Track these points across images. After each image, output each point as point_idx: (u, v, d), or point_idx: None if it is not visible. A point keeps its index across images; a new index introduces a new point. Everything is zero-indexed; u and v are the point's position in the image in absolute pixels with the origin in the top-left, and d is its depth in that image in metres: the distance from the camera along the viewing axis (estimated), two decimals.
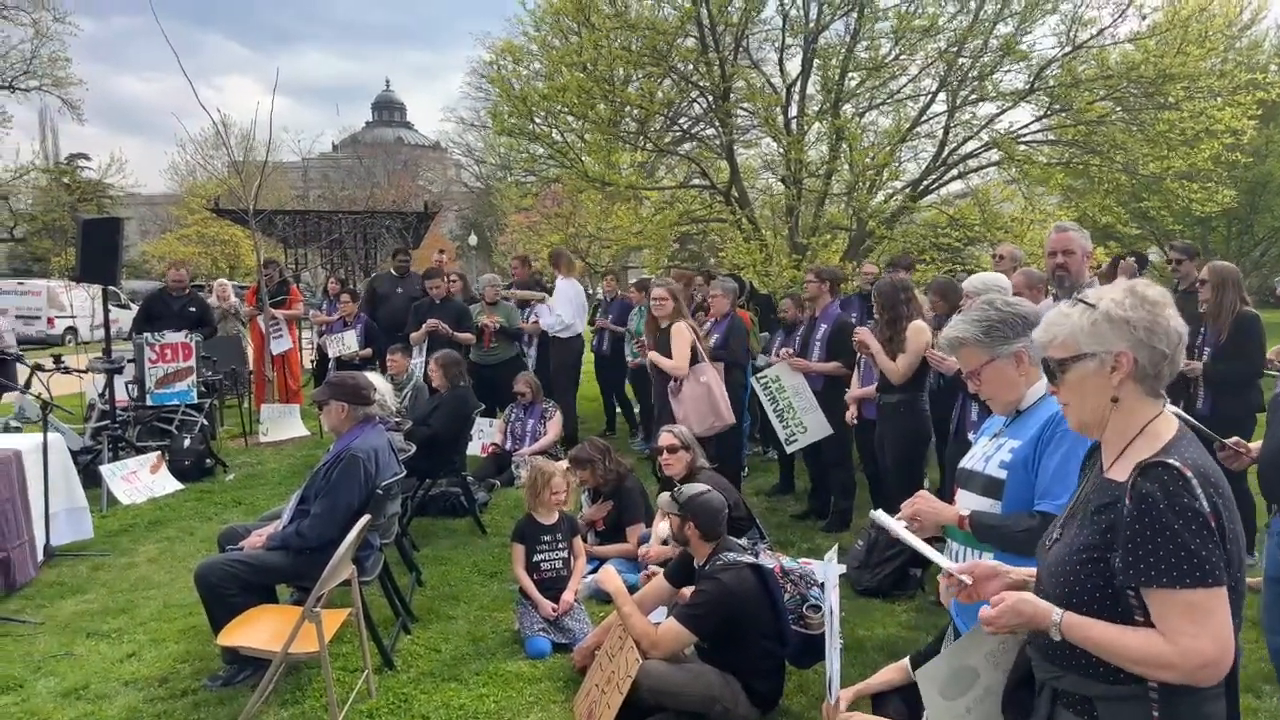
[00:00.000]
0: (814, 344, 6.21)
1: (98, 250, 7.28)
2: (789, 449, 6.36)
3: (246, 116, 28.49)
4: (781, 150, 11.28)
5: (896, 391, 5.14)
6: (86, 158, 40.46)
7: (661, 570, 4.01)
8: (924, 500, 2.40)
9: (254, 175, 12.97)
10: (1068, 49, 10.44)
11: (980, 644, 1.94)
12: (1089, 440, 2.19)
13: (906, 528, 2.30)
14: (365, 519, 3.62)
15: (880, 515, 2.27)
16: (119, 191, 37.63)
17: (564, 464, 5.20)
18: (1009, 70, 10.81)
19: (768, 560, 3.61)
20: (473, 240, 42.01)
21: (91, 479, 6.52)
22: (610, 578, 3.79)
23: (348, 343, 8.91)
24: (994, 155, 11.18)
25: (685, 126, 15.26)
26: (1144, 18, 10.38)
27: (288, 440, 9.06)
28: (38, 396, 6.14)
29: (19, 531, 4.92)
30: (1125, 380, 1.70)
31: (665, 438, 4.88)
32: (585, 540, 5.05)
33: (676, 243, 14.08)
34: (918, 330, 5.06)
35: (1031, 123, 11.13)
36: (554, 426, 7.65)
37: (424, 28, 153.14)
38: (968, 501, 2.41)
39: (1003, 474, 2.32)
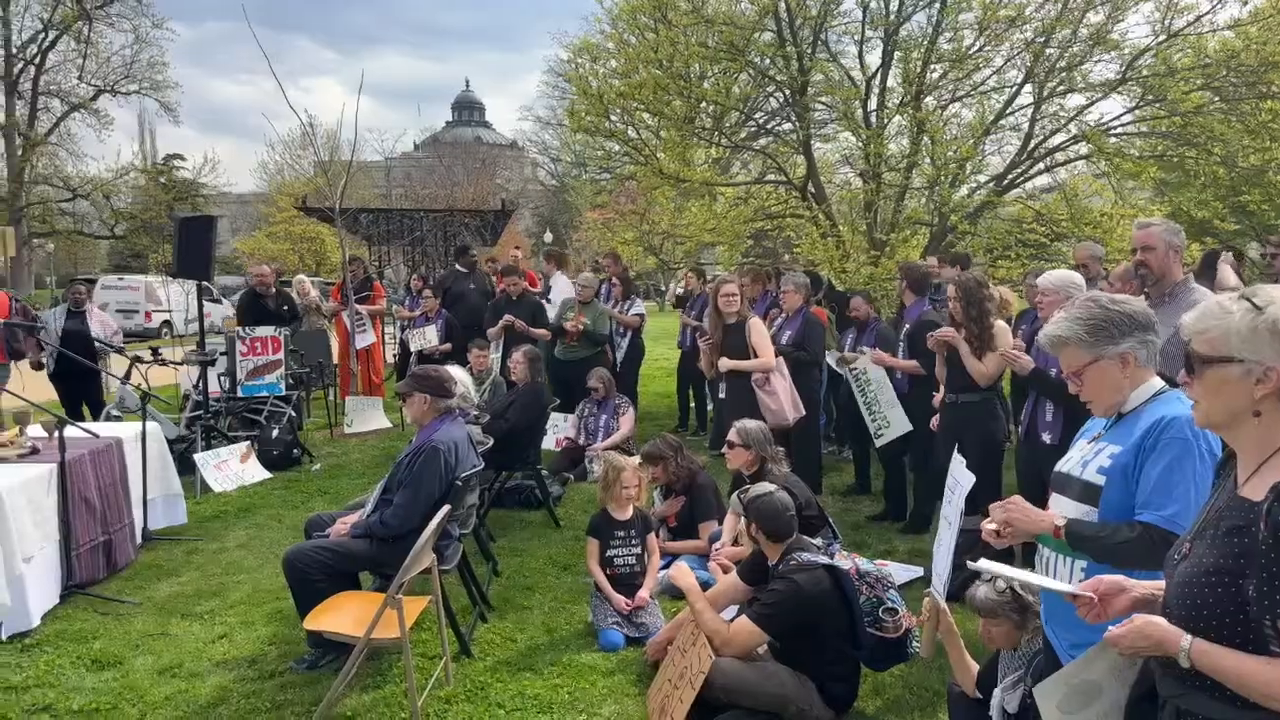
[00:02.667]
0: (897, 341, 6.11)
1: (193, 247, 7.62)
2: (878, 442, 6.29)
3: (332, 117, 29.56)
4: (860, 144, 11.09)
5: (973, 391, 5.02)
6: (182, 158, 42.34)
7: (734, 568, 4.00)
8: (1017, 507, 2.30)
9: (339, 174, 13.35)
10: (1162, 37, 10.00)
11: (1104, 659, 1.89)
12: (1195, 451, 2.10)
13: (995, 536, 2.24)
14: (445, 509, 3.71)
15: (985, 564, 2.19)
16: (211, 190, 39.21)
17: (636, 459, 5.22)
18: (1099, 60, 10.41)
19: (843, 561, 3.57)
20: (548, 237, 42.47)
21: (186, 467, 6.80)
22: (683, 574, 3.80)
23: (429, 337, 9.11)
24: (1082, 148, 10.78)
25: (761, 121, 15.15)
26: (1245, 3, 9.90)
27: (371, 432, 9.32)
28: (137, 387, 6.44)
29: (120, 516, 5.18)
30: (1271, 396, 1.57)
31: (730, 433, 4.87)
32: (658, 536, 5.07)
33: (751, 239, 13.95)
34: (1004, 330, 4.96)
35: (1123, 114, 10.70)
36: (626, 422, 7.69)
37: (502, 28, 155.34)
38: (1062, 507, 2.31)
39: (1101, 480, 2.22)
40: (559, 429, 8.06)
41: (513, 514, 6.35)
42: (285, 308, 9.67)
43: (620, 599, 4.35)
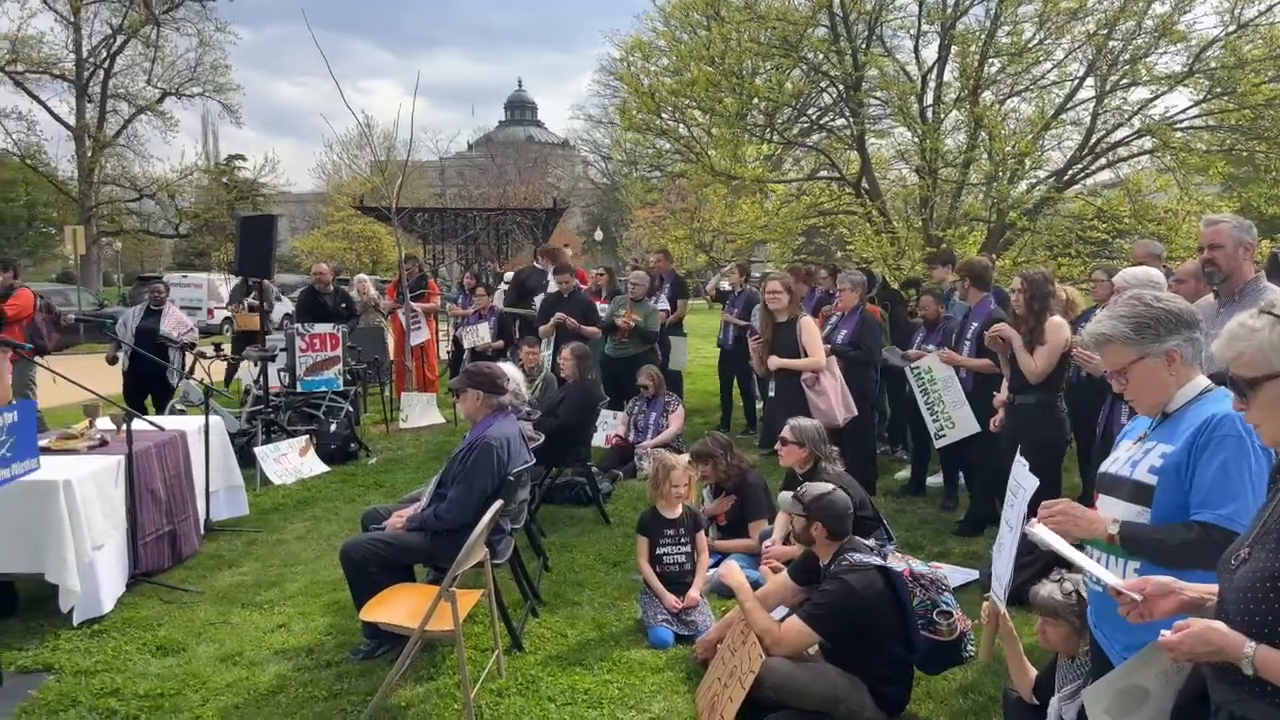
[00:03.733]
0: (965, 340, 6.00)
1: (254, 245, 7.81)
2: (937, 444, 6.21)
3: (388, 118, 30.02)
4: (916, 139, 10.93)
5: (1032, 392, 4.91)
6: (243, 158, 43.44)
7: (784, 568, 3.98)
8: (1069, 509, 2.27)
9: (395, 174, 13.57)
10: (1231, 28, 9.67)
11: (1153, 663, 1.85)
12: (1249, 448, 2.05)
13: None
14: (498, 504, 3.75)
15: (1040, 531, 2.17)
16: (271, 190, 40.10)
17: (686, 457, 5.22)
18: (1165, 52, 10.11)
19: (896, 563, 3.52)
20: (598, 235, 42.68)
21: (246, 459, 6.97)
22: (733, 572, 3.79)
23: (482, 335, 9.22)
24: (1146, 143, 10.47)
25: (814, 117, 15.02)
26: None
27: (425, 427, 9.46)
28: (200, 382, 6.63)
29: (184, 507, 5.34)
30: None
31: (784, 430, 4.84)
32: (707, 534, 5.07)
33: (803, 236, 13.85)
34: (1057, 326, 4.82)
35: (1190, 107, 10.37)
36: (676, 420, 7.69)
37: (555, 28, 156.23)
38: (1111, 509, 2.27)
39: (1153, 480, 2.18)
40: (609, 426, 8.09)
41: (563, 510, 6.40)
42: (343, 305, 9.89)
43: (670, 597, 4.35)
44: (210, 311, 23.98)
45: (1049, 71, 10.84)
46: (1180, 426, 2.18)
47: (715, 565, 4.82)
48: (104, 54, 32.67)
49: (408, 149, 12.40)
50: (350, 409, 8.46)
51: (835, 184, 12.33)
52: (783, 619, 3.54)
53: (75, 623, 4.27)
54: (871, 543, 3.70)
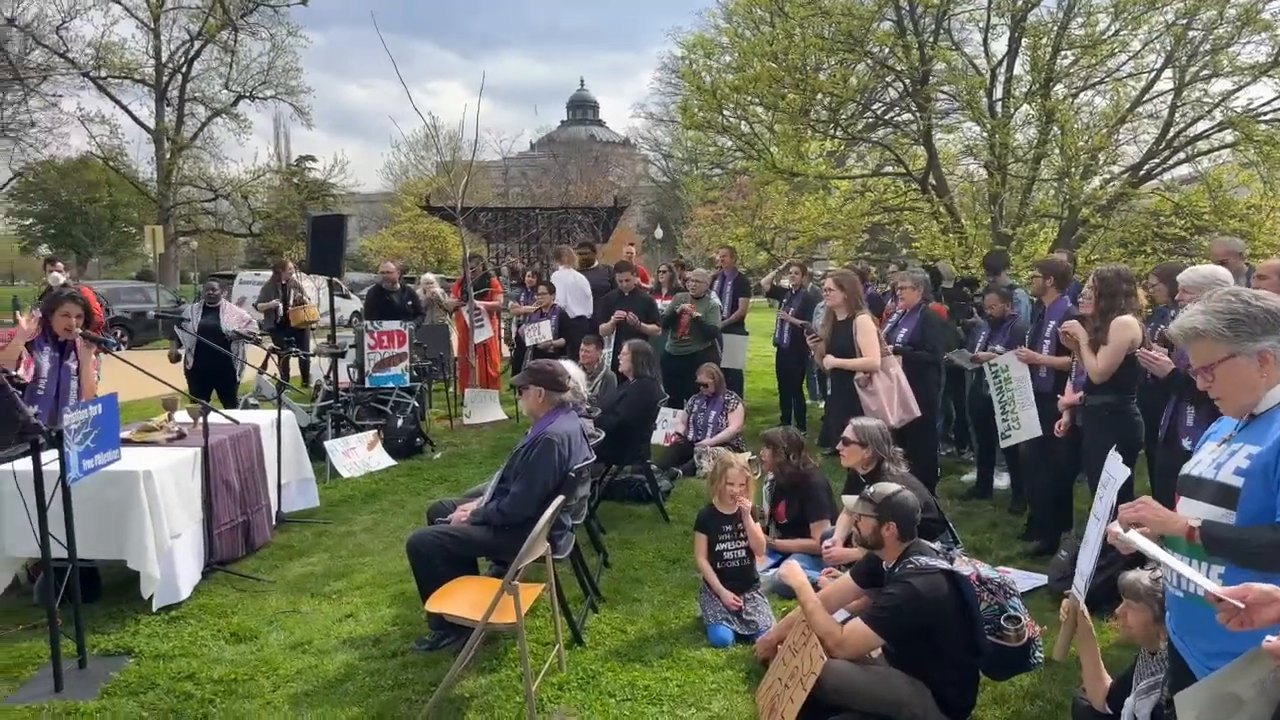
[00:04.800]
0: (1042, 340, 5.85)
1: (325, 244, 8.01)
2: (1003, 443, 6.07)
3: (454, 119, 30.44)
4: (985, 134, 10.71)
5: (1102, 392, 4.76)
6: (313, 159, 44.59)
7: (846, 570, 3.93)
8: (1148, 507, 2.20)
9: (461, 174, 13.75)
10: None
11: (1251, 671, 1.79)
12: None
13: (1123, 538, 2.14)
14: (559, 499, 3.79)
15: (1128, 534, 2.11)
16: (340, 190, 41.04)
17: (745, 455, 5.20)
18: (1248, 42, 9.73)
19: (963, 567, 3.45)
20: (658, 233, 42.69)
21: (316, 453, 7.14)
22: (794, 572, 3.76)
23: (543, 332, 9.30)
24: (1228, 136, 10.09)
25: (879, 112, 14.84)
26: None
27: (488, 423, 9.59)
28: (273, 377, 6.83)
29: (257, 498, 5.50)
30: None
31: (846, 430, 4.78)
32: (767, 532, 5.04)
33: (866, 233, 13.68)
34: (1123, 325, 4.65)
35: (1275, 99, 9.97)
36: (735, 418, 7.66)
37: (617, 28, 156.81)
38: (1194, 510, 2.20)
39: (1238, 481, 2.10)
40: (668, 424, 8.10)
41: (622, 507, 6.42)
42: (409, 303, 10.08)
43: (729, 595, 4.34)
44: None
45: (1125, 64, 10.53)
46: (1271, 428, 2.09)
47: (775, 565, 4.80)
48: (182, 59, 33.82)
49: (473, 150, 12.54)
50: (416, 405, 8.63)
51: (901, 180, 12.16)
52: (844, 621, 3.50)
53: (154, 608, 4.43)
54: (937, 546, 3.64)
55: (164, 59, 33.48)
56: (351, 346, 8.84)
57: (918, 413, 5.85)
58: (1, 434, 3.88)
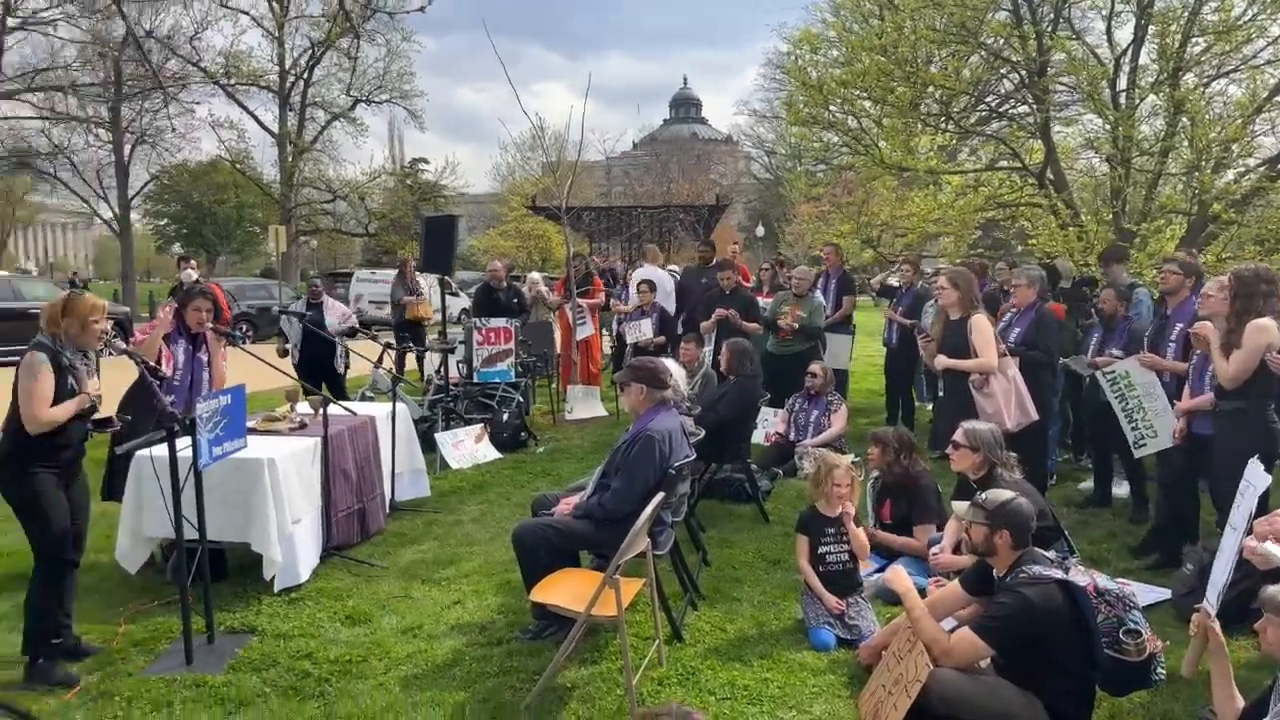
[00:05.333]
0: (1167, 342, 5.56)
1: (437, 244, 8.27)
2: (1136, 453, 5.77)
3: (559, 120, 30.90)
4: (1107, 127, 10.19)
5: (1234, 398, 4.48)
6: (426, 162, 46.06)
7: (954, 578, 3.82)
8: None
9: (566, 174, 13.97)
10: None
11: None
12: None
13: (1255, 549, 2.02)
14: (660, 496, 3.81)
15: (1268, 545, 1.99)
16: (451, 191, 42.20)
17: (849, 457, 5.11)
18: None
19: (1080, 577, 3.31)
20: (760, 231, 42.32)
21: (427, 444, 7.37)
22: (900, 578, 3.68)
23: (644, 330, 9.36)
24: None
25: (993, 105, 14.32)
26: None
27: (589, 419, 9.72)
28: (388, 371, 7.09)
29: (372, 487, 5.73)
30: None
31: (957, 433, 4.64)
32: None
33: (979, 230, 13.21)
34: (1259, 328, 4.36)
35: None
36: (839, 420, 7.53)
37: (721, 25, 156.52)
38: None
39: None
40: (769, 424, 8.03)
41: (722, 505, 6.41)
42: (515, 301, 10.32)
43: (832, 599, 4.28)
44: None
45: (1262, 50, 9.83)
46: None
47: (880, 570, 4.71)
48: (303, 65, 35.38)
49: (578, 150, 12.74)
50: (521, 400, 8.82)
51: (1016, 175, 11.69)
52: (951, 630, 3.41)
53: (276, 590, 4.67)
54: (1052, 555, 3.50)
55: (287, 66, 35.08)
56: (461, 343, 9.10)
57: (1035, 416, 5.62)
58: (142, 421, 4.16)
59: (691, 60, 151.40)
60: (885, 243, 15.90)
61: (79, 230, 75.35)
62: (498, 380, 8.83)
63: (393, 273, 26.86)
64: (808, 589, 4.38)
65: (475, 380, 8.85)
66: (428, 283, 11.89)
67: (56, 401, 3.66)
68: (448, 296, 9.50)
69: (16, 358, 3.83)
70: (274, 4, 33.91)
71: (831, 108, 11.93)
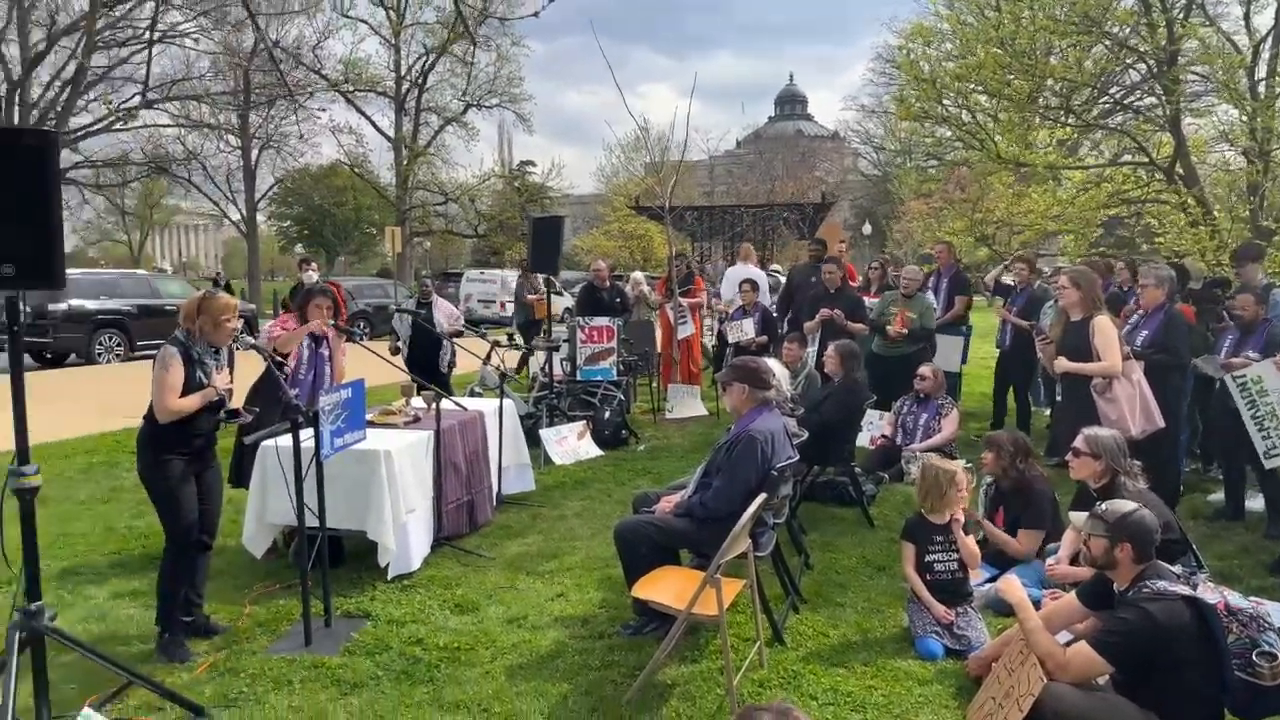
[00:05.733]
0: None
1: (544, 244, 8.44)
2: (1266, 464, 5.43)
3: (664, 120, 31.04)
4: (1244, 118, 9.59)
5: None
6: (533, 164, 46.98)
7: (1070, 590, 3.67)
8: None
9: (669, 175, 14.04)
10: None
11: None
12: None
13: None
14: (762, 497, 3.79)
15: None
16: (556, 193, 43.00)
17: (960, 463, 4.96)
18: None
19: (1209, 595, 3.13)
20: (867, 229, 41.48)
21: (532, 440, 7.52)
22: (1013, 589, 3.55)
23: (746, 330, 9.32)
24: None
25: (1117, 97, 13.67)
26: None
27: (690, 418, 9.73)
28: (497, 368, 7.27)
29: (481, 480, 5.89)
30: None
31: (1077, 440, 4.44)
32: (982, 544, 4.79)
33: (1101, 227, 12.62)
34: None
35: None
36: (949, 424, 7.31)
37: (829, 21, 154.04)
38: None
39: None
40: (874, 427, 7.87)
41: (824, 509, 6.32)
42: (618, 300, 10.41)
43: (940, 608, 4.16)
44: (502, 304, 26.18)
45: None
46: None
47: (992, 580, 4.56)
48: (418, 72, 36.61)
49: (682, 150, 12.78)
50: (622, 398, 8.90)
51: (1142, 169, 11.12)
52: (1067, 644, 3.28)
53: (389, 577, 4.85)
54: (1178, 570, 3.32)
55: (403, 72, 36.37)
56: (565, 341, 9.26)
57: (1161, 423, 5.33)
58: (269, 413, 4.39)
59: (798, 57, 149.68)
60: (1000, 240, 15.36)
61: (210, 231, 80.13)
62: (600, 378, 8.94)
63: (499, 273, 27.61)
64: (914, 597, 4.28)
65: (578, 378, 8.99)
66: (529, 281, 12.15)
67: (186, 393, 3.91)
68: (552, 296, 9.67)
69: (154, 352, 4.10)
70: (391, 13, 35.19)
71: (945, 102, 11.63)
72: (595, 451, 8.10)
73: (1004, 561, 4.86)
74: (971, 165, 13.09)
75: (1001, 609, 4.19)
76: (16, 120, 25.71)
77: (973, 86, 11.11)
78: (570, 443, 8.03)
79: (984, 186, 13.96)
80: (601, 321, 9.15)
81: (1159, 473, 5.23)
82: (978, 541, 4.59)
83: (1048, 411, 9.35)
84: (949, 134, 12.50)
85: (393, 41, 35.81)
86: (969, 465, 5.07)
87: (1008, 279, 9.21)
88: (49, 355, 16.41)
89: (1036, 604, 3.72)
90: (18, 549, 3.09)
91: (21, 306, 3.10)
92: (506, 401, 6.47)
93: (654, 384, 10.62)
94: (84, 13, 26.91)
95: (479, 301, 25.53)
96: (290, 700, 3.58)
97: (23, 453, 3.09)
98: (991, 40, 10.66)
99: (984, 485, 5.26)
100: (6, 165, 2.88)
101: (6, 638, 3.05)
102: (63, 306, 16.01)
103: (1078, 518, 3.47)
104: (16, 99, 26.59)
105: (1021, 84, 10.64)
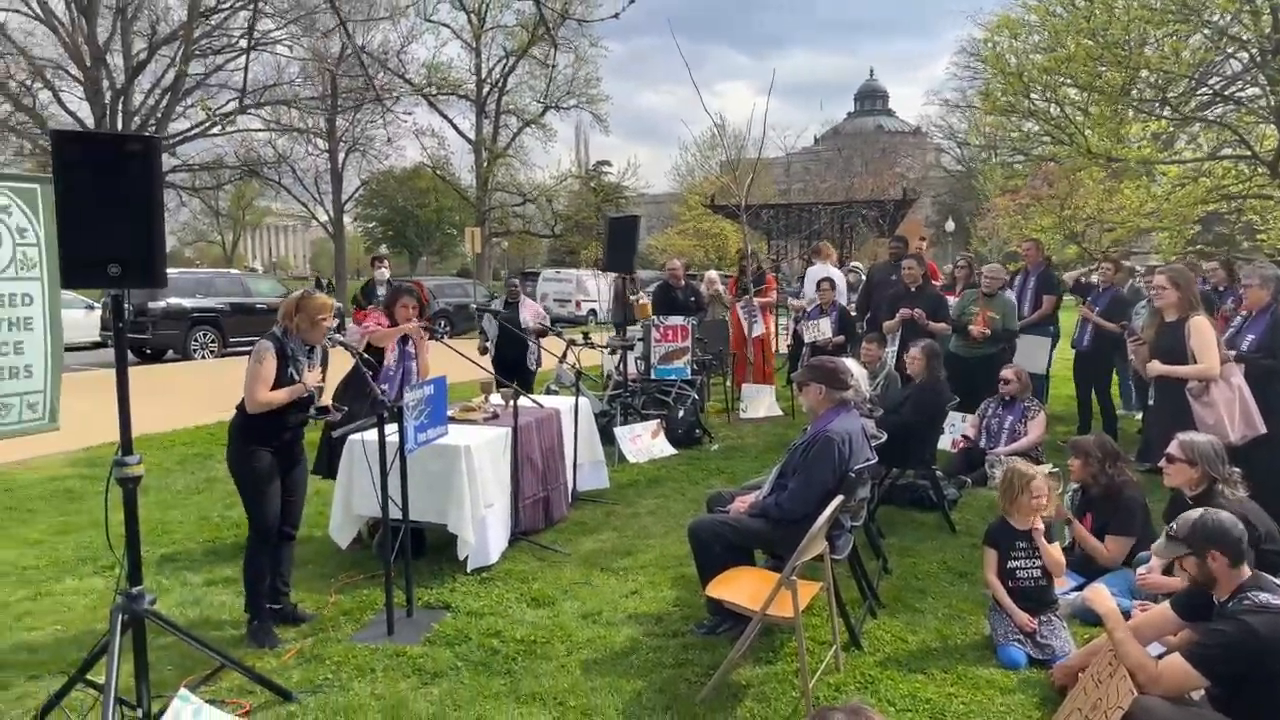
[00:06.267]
0: None
1: (620, 243, 8.49)
2: None
3: (740, 118, 30.81)
4: None
5: None
6: (609, 164, 47.25)
7: (1163, 600, 3.53)
8: None
9: (746, 173, 13.95)
10: None
11: None
12: None
13: None
14: (839, 499, 3.75)
15: None
16: (632, 192, 43.14)
17: (1046, 467, 4.81)
18: None
19: None
20: (949, 226, 40.51)
21: (606, 438, 7.58)
22: (1101, 598, 3.43)
23: (823, 329, 9.21)
24: None
25: (1217, 88, 13.02)
26: None
27: (764, 418, 9.67)
28: (572, 367, 7.35)
29: (557, 476, 5.97)
30: None
31: (1171, 445, 4.26)
32: (1069, 551, 4.64)
33: (1198, 224, 12.08)
34: None
35: None
36: (1036, 427, 7.10)
37: (910, 15, 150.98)
38: None
39: None
40: (956, 429, 7.69)
41: (903, 513, 6.20)
42: (692, 299, 10.40)
43: (1024, 615, 4.05)
44: (577, 303, 26.44)
45: None
46: None
47: (1078, 588, 4.42)
48: (498, 75, 37.20)
49: (759, 148, 12.68)
50: (696, 397, 8.90)
51: (1244, 164, 10.60)
52: (1159, 656, 3.16)
53: (468, 570, 4.96)
54: None
55: (483, 75, 37.00)
56: (639, 340, 9.30)
57: (1263, 429, 5.08)
58: (357, 407, 4.53)
59: (878, 52, 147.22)
60: (1090, 238, 14.84)
61: (299, 232, 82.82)
62: (674, 377, 8.95)
63: (575, 272, 27.85)
64: (996, 604, 4.17)
65: (652, 377, 9.02)
66: (608, 281, 12.21)
67: (277, 387, 4.06)
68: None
69: (247, 348, 4.27)
70: (472, 16, 35.82)
71: (1032, 95, 11.29)
72: (669, 450, 8.11)
73: (1091, 569, 4.70)
74: (1060, 160, 12.67)
75: (1088, 618, 4.06)
76: (120, 126, 27.00)
77: (1062, 79, 10.76)
78: (644, 441, 8.07)
79: (1073, 182, 13.49)
80: (676, 320, 9.16)
81: (1261, 480, 4.99)
82: (1064, 548, 4.46)
83: (1138, 415, 9.00)
84: (1036, 128, 12.10)
85: (474, 45, 36.46)
86: (1055, 470, 4.91)
87: (1095, 277, 8.89)
88: (148, 351, 17.25)
89: (1125, 614, 3.59)
90: (120, 536, 3.27)
91: (126, 304, 3.26)
92: (581, 399, 6.53)
93: (728, 383, 10.58)
94: (183, 22, 28.12)
95: (555, 300, 25.86)
96: (373, 688, 3.69)
97: (126, 444, 3.25)
98: (1082, 31, 10.29)
99: (1070, 491, 5.09)
100: (114, 170, 3.04)
101: (110, 619, 3.22)
102: (161, 304, 16.78)
103: (1159, 547, 3.33)
104: (120, 106, 27.94)
105: (1114, 76, 10.25)
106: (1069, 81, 10.81)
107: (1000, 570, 4.24)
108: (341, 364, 5.19)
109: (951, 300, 8.66)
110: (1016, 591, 4.17)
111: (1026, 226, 14.75)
